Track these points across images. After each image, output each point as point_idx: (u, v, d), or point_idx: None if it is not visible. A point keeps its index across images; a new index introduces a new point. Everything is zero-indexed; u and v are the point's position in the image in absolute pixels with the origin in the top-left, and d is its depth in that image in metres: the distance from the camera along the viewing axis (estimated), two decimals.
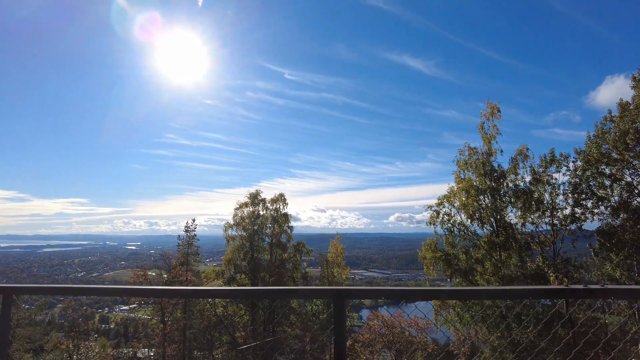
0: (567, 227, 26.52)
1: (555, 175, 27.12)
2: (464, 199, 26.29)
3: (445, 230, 28.02)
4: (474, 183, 25.95)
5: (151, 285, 32.66)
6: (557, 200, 27.07)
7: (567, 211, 26.64)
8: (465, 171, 27.58)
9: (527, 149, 27.20)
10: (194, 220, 41.74)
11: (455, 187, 27.65)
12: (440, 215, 28.14)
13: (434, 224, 28.39)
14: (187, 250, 41.58)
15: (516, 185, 26.51)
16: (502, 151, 27.61)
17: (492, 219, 26.35)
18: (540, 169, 26.75)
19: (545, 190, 26.82)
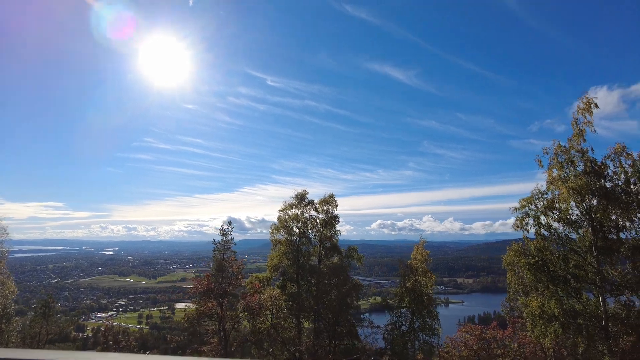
0: None
1: None
2: (569, 200, 24.10)
3: (535, 234, 25.91)
4: (578, 182, 23.86)
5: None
6: None
7: None
8: (561, 170, 25.54)
9: (625, 147, 25.54)
10: (230, 224, 38.48)
11: (552, 188, 25.60)
12: (530, 218, 26.02)
13: (522, 228, 26.26)
14: (223, 255, 38.22)
15: (618, 185, 24.73)
16: (592, 149, 25.82)
17: (594, 222, 24.40)
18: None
19: None
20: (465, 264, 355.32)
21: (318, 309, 32.64)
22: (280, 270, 35.77)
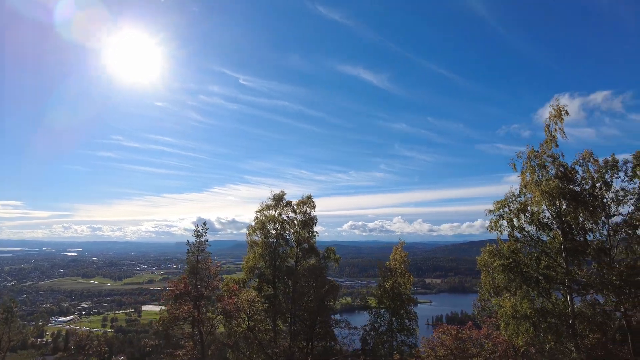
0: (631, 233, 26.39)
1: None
2: (541, 203, 24.97)
3: (509, 236, 26.72)
4: (550, 186, 24.77)
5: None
6: (619, 207, 26.90)
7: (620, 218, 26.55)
8: (533, 175, 26.46)
9: (592, 153, 26.76)
10: (204, 224, 37.71)
11: (524, 191, 26.48)
12: (503, 220, 26.83)
13: (496, 230, 27.02)
14: (197, 257, 37.42)
15: (585, 190, 25.85)
16: (563, 154, 26.92)
17: (563, 224, 25.41)
18: (607, 174, 26.39)
19: (611, 197, 26.49)
20: (434, 264, 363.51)
21: (295, 311, 32.43)
22: (256, 272, 35.31)
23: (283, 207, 35.88)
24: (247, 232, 35.81)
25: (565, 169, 25.47)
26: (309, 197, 36.06)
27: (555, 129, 26.44)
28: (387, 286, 29.74)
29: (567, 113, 26.35)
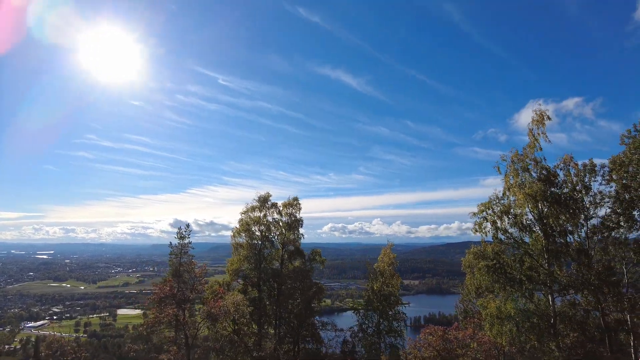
0: (606, 235, 27.40)
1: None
2: (525, 205, 25.54)
3: (493, 238, 27.23)
4: (534, 189, 25.37)
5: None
6: (597, 209, 27.88)
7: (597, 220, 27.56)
8: (516, 177, 27.05)
9: (572, 157, 27.63)
10: (188, 226, 37.07)
11: (508, 194, 27.06)
12: (488, 222, 27.34)
13: (481, 232, 27.51)
14: (179, 259, 36.71)
15: (564, 193, 26.63)
16: (545, 158, 27.65)
17: (545, 226, 26.07)
18: (585, 178, 27.29)
19: (589, 199, 27.41)
20: (412, 266, 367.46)
21: (280, 314, 32.17)
22: (241, 274, 34.88)
23: (268, 209, 35.58)
24: (232, 234, 35.39)
25: (548, 172, 26.14)
26: (295, 198, 35.89)
27: (538, 133, 27.18)
28: (375, 288, 29.87)
29: (549, 118, 27.11)
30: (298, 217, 35.44)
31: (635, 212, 26.32)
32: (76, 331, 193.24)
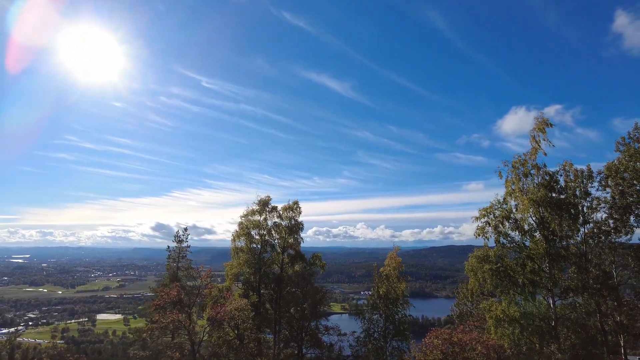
0: (603, 239, 28.25)
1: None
2: (529, 210, 26.01)
3: (495, 242, 27.64)
4: (538, 194, 25.87)
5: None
6: (593, 214, 28.70)
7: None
8: (517, 183, 27.54)
9: (572, 164, 28.37)
10: (185, 230, 36.62)
11: (507, 199, 27.53)
12: (490, 226, 27.73)
13: (483, 236, 27.88)
14: (177, 264, 36.17)
15: (563, 198, 27.26)
16: (545, 165, 28.26)
17: (546, 231, 26.59)
18: (583, 183, 28.08)
19: (586, 205, 28.20)
20: None
21: (282, 318, 31.91)
22: (241, 279, 34.49)
23: (269, 212, 35.32)
24: (232, 237, 35.00)
25: (551, 177, 26.72)
26: (296, 202, 35.75)
27: (539, 140, 27.77)
28: (381, 292, 29.91)
29: (550, 125, 27.70)
30: (299, 220, 35.28)
31: (632, 217, 27.20)
32: (53, 337, 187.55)
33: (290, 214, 35.27)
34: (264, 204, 35.55)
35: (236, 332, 28.22)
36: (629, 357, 30.43)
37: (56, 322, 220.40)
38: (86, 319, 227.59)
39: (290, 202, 35.81)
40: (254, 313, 31.15)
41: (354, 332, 31.43)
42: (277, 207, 35.72)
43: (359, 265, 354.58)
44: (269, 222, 35.61)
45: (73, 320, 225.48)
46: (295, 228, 34.95)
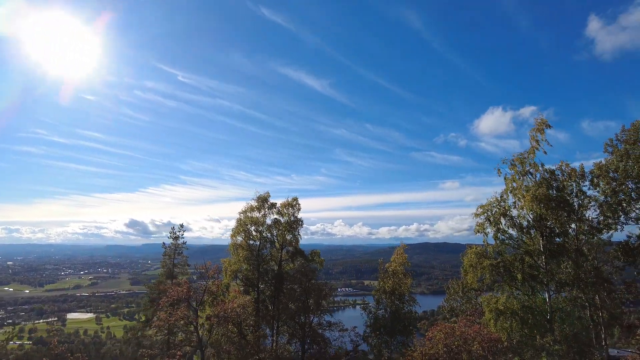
0: (596, 236, 29.63)
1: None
2: (530, 207, 26.87)
3: (494, 238, 28.46)
4: (540, 192, 26.74)
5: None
6: (585, 212, 30.03)
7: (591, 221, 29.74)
8: (516, 181, 28.42)
9: (569, 164, 29.55)
10: (182, 226, 36.08)
11: (505, 197, 28.39)
12: (490, 223, 28.53)
13: (482, 232, 28.64)
14: (173, 260, 35.62)
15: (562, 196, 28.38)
16: (542, 164, 29.32)
17: (543, 227, 27.59)
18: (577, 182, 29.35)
19: (580, 202, 29.46)
20: (373, 266, 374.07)
21: (282, 315, 31.87)
22: (240, 276, 34.21)
23: (268, 209, 35.14)
24: (231, 234, 34.64)
25: (551, 175, 27.74)
26: (295, 199, 35.66)
27: (537, 140, 28.74)
28: (387, 287, 30.28)
29: (549, 126, 28.70)
30: (298, 217, 35.26)
31: (622, 215, 28.58)
32: (20, 338, 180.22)
33: (290, 210, 35.20)
34: (263, 200, 35.33)
35: (239, 328, 28.06)
36: (610, 349, 32.13)
37: (23, 323, 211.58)
38: (56, 319, 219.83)
39: (289, 199, 35.77)
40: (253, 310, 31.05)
41: (355, 327, 31.73)
42: (276, 203, 35.59)
43: (336, 262, 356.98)
44: (268, 220, 35.46)
45: (42, 320, 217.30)
46: (295, 225, 34.91)
